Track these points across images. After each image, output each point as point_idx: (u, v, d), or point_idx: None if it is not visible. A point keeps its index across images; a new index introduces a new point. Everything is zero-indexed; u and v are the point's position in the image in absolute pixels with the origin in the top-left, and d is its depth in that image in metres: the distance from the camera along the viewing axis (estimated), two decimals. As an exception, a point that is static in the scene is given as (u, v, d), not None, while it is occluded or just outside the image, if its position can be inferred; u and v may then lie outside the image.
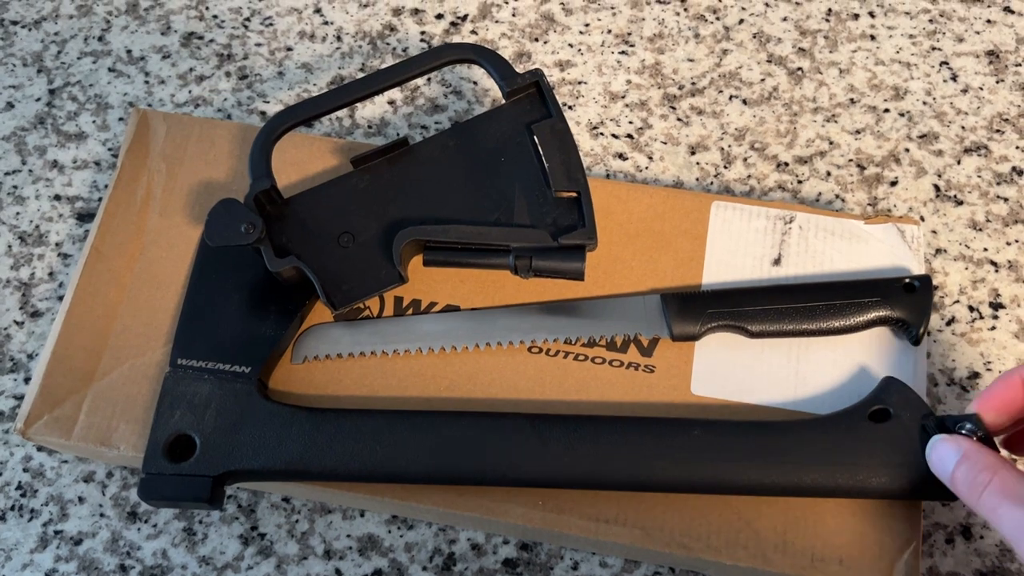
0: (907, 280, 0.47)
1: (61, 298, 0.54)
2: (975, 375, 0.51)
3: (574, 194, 0.47)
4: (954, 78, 0.60)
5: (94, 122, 0.59)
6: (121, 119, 0.59)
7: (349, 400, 0.47)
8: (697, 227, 0.50)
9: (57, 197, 0.57)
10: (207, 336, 0.47)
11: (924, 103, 0.59)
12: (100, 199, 0.57)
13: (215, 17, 0.63)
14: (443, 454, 0.43)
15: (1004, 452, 0.44)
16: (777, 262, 0.49)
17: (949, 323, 0.53)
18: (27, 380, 0.53)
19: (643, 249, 0.49)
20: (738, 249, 0.49)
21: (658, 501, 0.44)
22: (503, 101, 0.49)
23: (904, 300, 0.46)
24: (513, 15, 0.62)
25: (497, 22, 0.62)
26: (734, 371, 0.47)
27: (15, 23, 0.63)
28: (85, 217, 0.57)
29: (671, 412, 0.46)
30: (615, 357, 0.47)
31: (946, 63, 0.60)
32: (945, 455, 0.40)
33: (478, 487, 0.44)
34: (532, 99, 0.49)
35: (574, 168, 0.47)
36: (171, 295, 0.49)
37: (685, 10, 0.62)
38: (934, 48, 0.60)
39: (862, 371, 0.47)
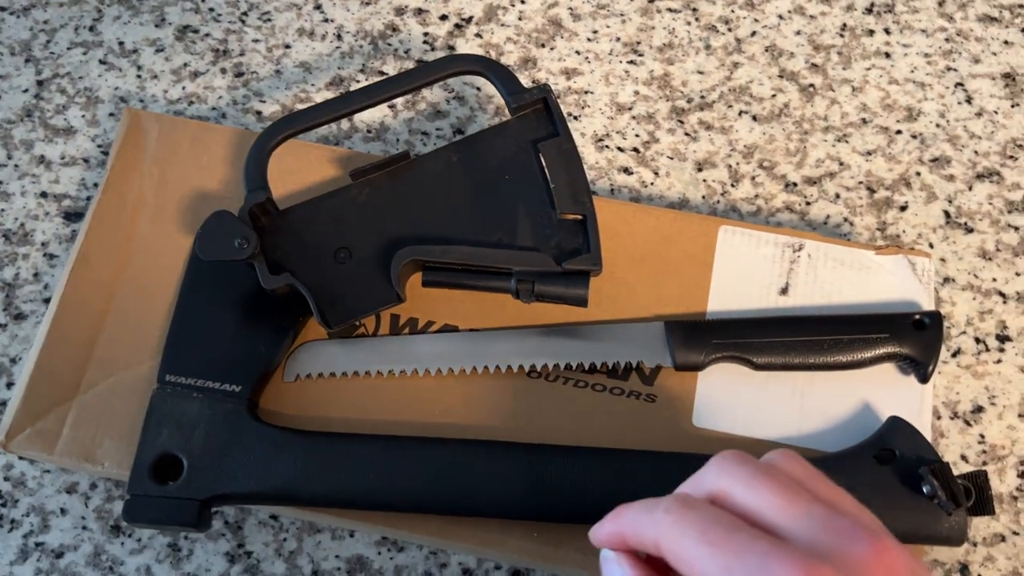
0: (917, 316, 0.45)
1: (47, 300, 0.53)
2: (979, 409, 0.50)
3: (579, 217, 0.45)
4: (969, 100, 0.58)
5: (83, 117, 0.57)
6: (112, 115, 0.57)
7: (342, 422, 0.46)
8: (704, 252, 0.49)
9: (43, 194, 0.55)
10: (197, 352, 0.45)
11: (937, 125, 0.57)
12: (88, 198, 0.55)
13: (211, 10, 0.60)
14: (437, 483, 0.42)
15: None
16: (784, 291, 0.48)
17: (955, 355, 0.52)
18: (9, 385, 0.51)
19: (648, 273, 0.48)
20: (745, 276, 0.48)
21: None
22: (507, 111, 0.47)
23: (913, 337, 0.45)
24: (520, 19, 0.60)
25: (503, 25, 0.60)
26: (737, 403, 0.46)
27: (3, 9, 0.60)
28: (72, 216, 0.55)
29: (672, 444, 0.45)
30: (616, 384, 0.46)
31: (961, 84, 0.59)
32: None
33: (472, 517, 0.43)
34: (539, 115, 0.47)
35: (580, 190, 0.45)
36: (160, 306, 0.48)
37: (696, 20, 0.60)
38: (949, 68, 0.59)
39: (866, 407, 0.46)
